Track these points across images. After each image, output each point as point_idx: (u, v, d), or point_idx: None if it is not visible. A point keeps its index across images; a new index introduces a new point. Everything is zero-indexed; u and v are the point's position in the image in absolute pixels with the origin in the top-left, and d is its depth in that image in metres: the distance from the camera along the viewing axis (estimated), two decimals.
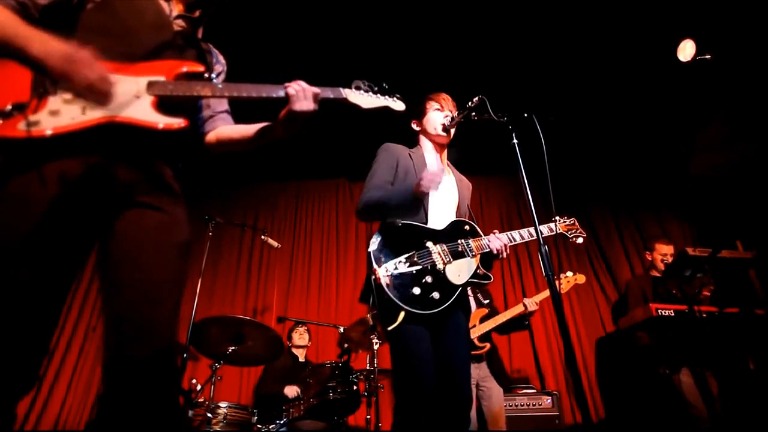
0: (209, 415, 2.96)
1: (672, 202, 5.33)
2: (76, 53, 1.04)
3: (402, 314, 1.77)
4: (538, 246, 1.65)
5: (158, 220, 1.16)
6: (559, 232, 2.29)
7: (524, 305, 3.57)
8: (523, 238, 2.13)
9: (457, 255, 1.96)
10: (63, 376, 4.25)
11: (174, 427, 1.10)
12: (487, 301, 3.79)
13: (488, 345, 3.55)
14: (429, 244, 1.93)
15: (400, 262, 1.80)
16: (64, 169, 1.06)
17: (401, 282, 1.80)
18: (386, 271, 1.77)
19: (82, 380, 4.35)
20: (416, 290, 1.81)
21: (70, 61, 1.03)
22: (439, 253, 1.92)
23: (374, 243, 1.86)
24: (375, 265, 1.80)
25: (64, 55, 1.03)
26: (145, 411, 1.01)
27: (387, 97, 1.51)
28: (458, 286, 1.91)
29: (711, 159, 4.82)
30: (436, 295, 1.83)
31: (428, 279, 1.85)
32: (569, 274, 3.70)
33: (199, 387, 3.17)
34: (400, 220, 1.94)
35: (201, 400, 3.10)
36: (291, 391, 3.53)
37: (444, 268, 1.90)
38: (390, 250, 1.86)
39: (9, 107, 1.02)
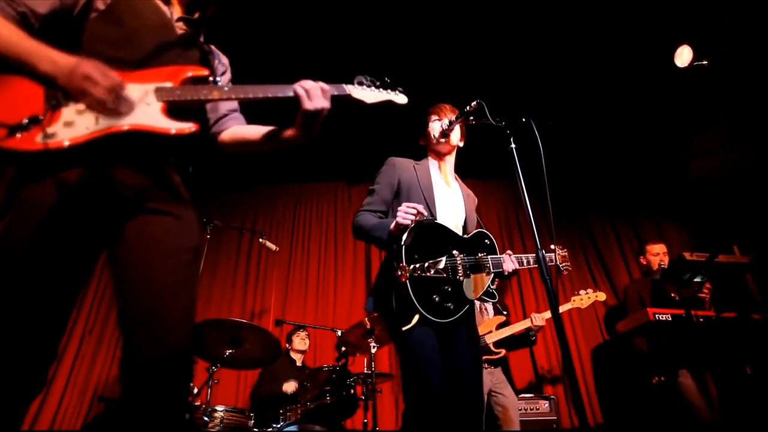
0: (206, 418, 2.94)
1: (670, 206, 5.35)
2: (83, 69, 1.05)
3: (417, 317, 1.77)
4: (536, 250, 1.65)
5: (168, 225, 1.17)
6: (556, 263, 2.31)
7: (531, 320, 3.72)
8: (530, 263, 2.14)
9: (474, 269, 1.96)
10: (59, 379, 4.23)
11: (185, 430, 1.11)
12: (505, 312, 3.92)
13: (504, 351, 3.64)
14: (455, 252, 1.93)
15: (428, 266, 1.75)
16: (78, 177, 1.07)
17: (425, 285, 1.79)
18: (414, 271, 1.73)
19: (79, 383, 4.33)
20: (435, 297, 1.81)
21: (79, 79, 1.05)
22: (462, 265, 1.92)
23: (407, 238, 1.81)
24: (404, 262, 1.76)
25: (72, 74, 1.05)
26: (158, 412, 1.03)
27: (389, 90, 1.51)
28: (470, 300, 1.92)
29: (709, 164, 4.84)
30: (450, 305, 1.84)
31: (448, 288, 1.85)
32: (589, 291, 3.86)
33: (195, 390, 3.16)
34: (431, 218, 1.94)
35: (198, 403, 3.09)
36: (289, 386, 3.53)
37: (463, 280, 1.90)
38: (421, 250, 1.83)
39: (25, 120, 1.03)
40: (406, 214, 1.79)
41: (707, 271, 3.09)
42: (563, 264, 2.35)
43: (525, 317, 4.61)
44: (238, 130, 1.45)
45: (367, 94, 1.44)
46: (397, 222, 1.81)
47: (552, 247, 2.26)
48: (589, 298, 3.80)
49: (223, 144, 1.45)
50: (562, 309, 3.79)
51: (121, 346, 1.07)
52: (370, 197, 2.09)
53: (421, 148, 2.32)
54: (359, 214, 2.05)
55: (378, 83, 1.48)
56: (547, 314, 3.78)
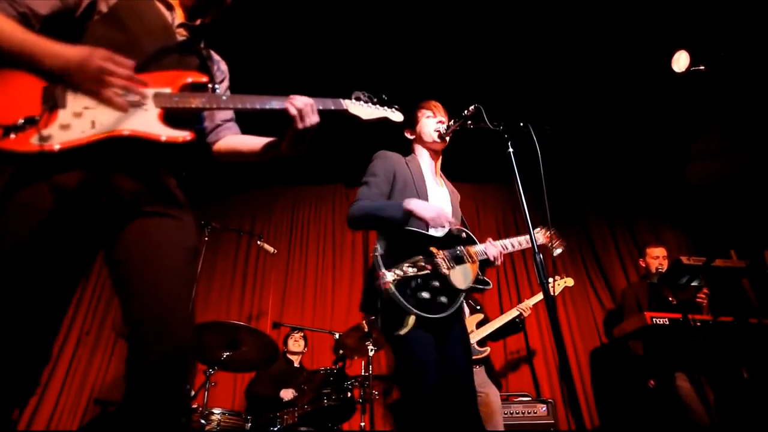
0: (203, 421, 2.94)
1: (667, 210, 5.37)
2: (95, 63, 1.04)
3: (412, 318, 1.76)
4: (533, 254, 1.65)
5: (167, 226, 1.18)
6: (542, 243, 2.30)
7: (518, 310, 3.74)
8: (514, 246, 2.17)
9: (458, 260, 1.97)
10: (55, 380, 4.21)
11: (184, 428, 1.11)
12: (479, 307, 3.88)
13: (488, 349, 3.63)
14: (432, 249, 1.93)
15: (407, 266, 1.78)
16: (73, 181, 1.07)
17: (410, 286, 1.79)
18: (394, 275, 1.75)
19: (75, 384, 4.31)
20: (425, 294, 1.80)
21: (94, 72, 1.04)
22: (443, 259, 1.93)
23: (380, 247, 1.84)
24: (382, 270, 1.77)
25: (83, 68, 1.04)
26: (162, 411, 1.03)
27: (386, 107, 1.53)
28: (462, 291, 1.92)
29: (706, 168, 4.86)
30: (443, 299, 1.84)
31: (435, 283, 1.85)
32: (557, 278, 3.89)
33: (192, 393, 3.15)
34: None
35: (194, 406, 3.08)
36: (287, 393, 3.52)
37: (448, 273, 1.90)
38: (396, 255, 1.84)
39: (21, 121, 1.03)
40: (440, 218, 1.85)
41: (704, 276, 3.11)
42: (551, 244, 2.33)
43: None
44: (230, 141, 1.47)
45: (364, 110, 1.46)
46: (426, 218, 1.84)
47: (536, 230, 2.26)
48: (558, 285, 3.84)
49: (217, 154, 1.47)
50: (535, 300, 3.86)
51: (128, 345, 1.08)
52: (367, 189, 2.03)
53: (406, 139, 2.34)
54: (359, 203, 1.98)
55: (375, 99, 1.50)
56: (530, 301, 3.82)
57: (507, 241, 2.16)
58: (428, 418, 1.69)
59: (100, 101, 1.08)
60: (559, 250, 2.34)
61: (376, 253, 1.82)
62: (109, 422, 2.83)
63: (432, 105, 2.27)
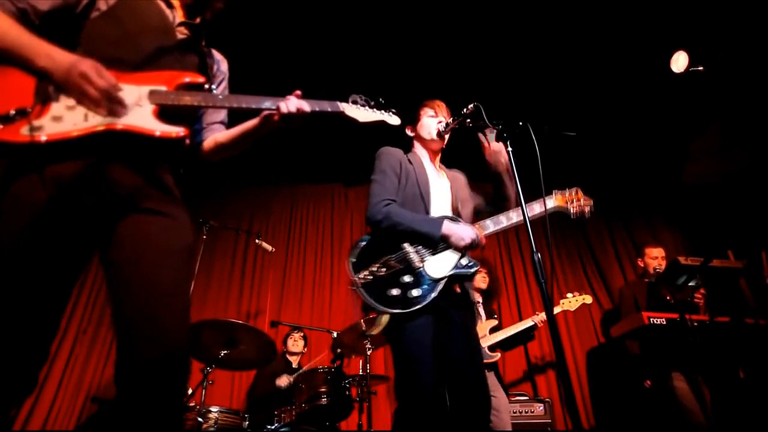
0: (200, 419, 2.93)
1: (665, 210, 5.38)
2: (81, 67, 1.05)
3: (384, 317, 1.82)
4: (531, 253, 1.65)
5: (162, 224, 1.17)
6: (556, 206, 2.26)
7: (533, 321, 3.84)
8: (502, 223, 2.07)
9: (435, 251, 1.96)
10: (52, 379, 4.19)
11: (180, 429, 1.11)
12: (496, 315, 3.98)
13: (498, 354, 3.67)
14: (405, 245, 1.95)
15: (374, 267, 1.85)
16: (66, 174, 1.06)
17: (377, 286, 1.85)
18: (363, 277, 1.83)
19: (72, 383, 4.30)
20: (394, 291, 1.84)
21: (75, 76, 1.05)
22: (416, 252, 1.94)
23: (353, 253, 1.94)
24: (352, 275, 1.87)
25: (69, 71, 1.05)
26: (156, 413, 1.02)
27: (383, 111, 1.54)
28: (440, 279, 1.89)
29: (703, 168, 4.87)
30: (415, 292, 1.84)
31: (406, 278, 1.87)
32: (575, 293, 3.99)
33: (190, 391, 3.15)
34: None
35: (192, 404, 3.08)
36: (282, 380, 3.52)
37: (422, 265, 1.91)
38: (367, 257, 1.92)
39: (12, 112, 1.03)
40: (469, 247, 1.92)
41: (702, 276, 3.11)
42: (572, 204, 2.30)
43: (520, 318, 4.63)
44: (214, 137, 1.48)
45: (361, 113, 1.48)
46: (459, 247, 1.92)
47: (554, 191, 2.25)
48: (576, 301, 3.91)
49: (204, 155, 1.48)
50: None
51: (117, 346, 1.06)
52: (381, 187, 2.03)
53: (407, 136, 2.35)
54: (390, 205, 1.97)
55: (372, 103, 1.51)
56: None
57: (499, 217, 2.09)
58: (425, 417, 1.69)
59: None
60: (587, 209, 2.28)
61: (349, 259, 1.92)
62: (104, 424, 2.81)
63: (435, 104, 2.27)
